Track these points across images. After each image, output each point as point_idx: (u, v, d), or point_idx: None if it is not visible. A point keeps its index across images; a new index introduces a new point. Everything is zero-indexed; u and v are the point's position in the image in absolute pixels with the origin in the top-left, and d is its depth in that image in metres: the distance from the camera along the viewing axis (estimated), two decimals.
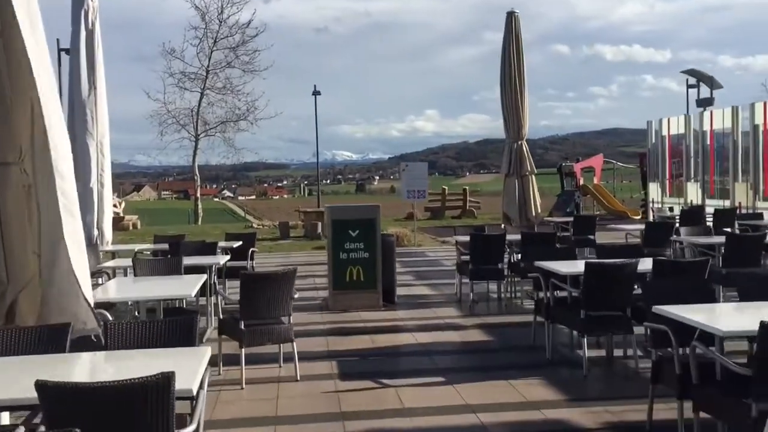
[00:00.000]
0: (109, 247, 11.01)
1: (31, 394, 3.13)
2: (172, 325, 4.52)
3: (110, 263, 9.88)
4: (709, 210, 17.04)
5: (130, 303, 7.47)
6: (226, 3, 35.45)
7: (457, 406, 6.08)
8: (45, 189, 5.57)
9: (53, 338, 4.31)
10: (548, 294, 7.52)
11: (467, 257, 10.84)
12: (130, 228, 29.26)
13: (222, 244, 11.28)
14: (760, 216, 15.00)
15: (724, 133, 20.53)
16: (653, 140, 24.85)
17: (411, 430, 5.60)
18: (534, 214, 14.97)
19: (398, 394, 6.48)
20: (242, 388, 6.72)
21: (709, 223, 13.94)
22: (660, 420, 5.40)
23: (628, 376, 6.99)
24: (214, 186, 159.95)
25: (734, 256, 9.41)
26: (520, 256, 11.02)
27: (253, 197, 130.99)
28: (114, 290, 7.41)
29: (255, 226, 31.19)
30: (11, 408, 3.93)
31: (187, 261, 8.63)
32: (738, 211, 16.88)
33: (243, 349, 6.83)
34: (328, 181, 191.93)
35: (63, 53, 22.43)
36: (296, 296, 7.13)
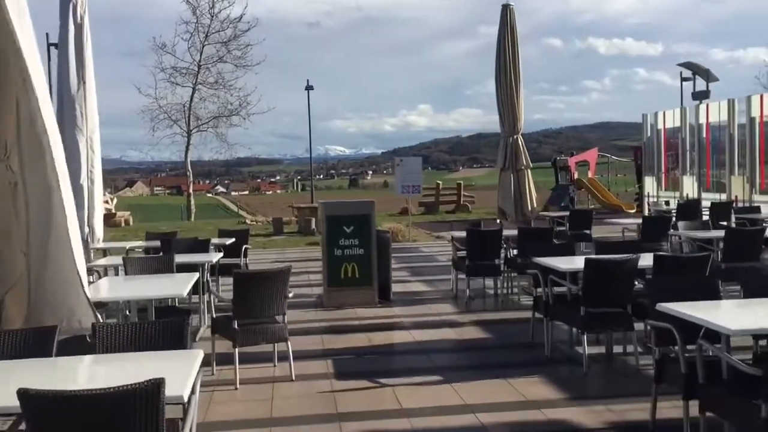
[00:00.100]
0: (100, 245, 10.85)
1: (14, 401, 2.98)
2: (163, 327, 4.37)
3: (101, 261, 9.72)
4: (706, 203, 16.96)
5: (121, 302, 7.31)
6: None
7: (456, 406, 5.95)
8: (35, 186, 5.42)
9: (39, 341, 4.16)
10: (547, 291, 7.40)
11: (463, 253, 10.72)
12: (122, 224, 29.05)
13: (215, 240, 11.14)
14: (758, 209, 14.92)
15: (720, 126, 20.44)
16: (648, 133, 24.75)
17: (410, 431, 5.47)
18: (530, 208, 14.83)
19: (395, 393, 6.35)
20: (236, 389, 6.58)
21: (706, 217, 13.87)
22: (663, 419, 5.28)
23: (629, 374, 6.87)
24: (207, 181, 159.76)
25: (733, 251, 9.30)
26: (516, 251, 10.92)
27: (246, 193, 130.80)
28: (105, 289, 7.26)
29: (248, 221, 31.02)
30: None
31: (180, 259, 8.48)
32: (734, 205, 16.80)
33: (237, 349, 6.69)
34: (322, 176, 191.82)
35: (52, 48, 22.17)
36: (291, 295, 6.99)
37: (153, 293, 6.77)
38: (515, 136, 14.96)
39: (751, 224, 12.09)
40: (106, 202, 30.61)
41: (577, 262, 7.35)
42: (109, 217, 27.18)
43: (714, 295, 5.37)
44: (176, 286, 6.83)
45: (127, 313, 7.00)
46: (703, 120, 21.53)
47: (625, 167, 40.30)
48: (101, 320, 5.62)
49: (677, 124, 23.01)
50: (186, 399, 3.26)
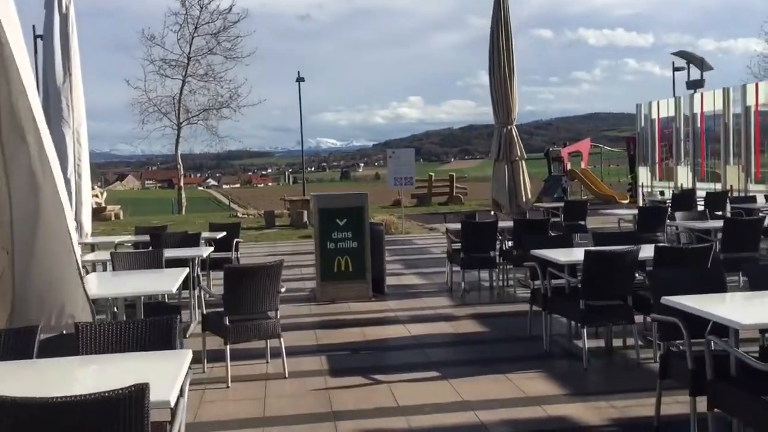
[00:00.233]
0: (88, 240, 10.64)
1: None
2: (150, 326, 4.17)
3: (89, 256, 9.49)
4: (700, 193, 16.85)
5: (109, 299, 7.11)
6: None
7: (454, 403, 5.79)
8: (18, 179, 5.21)
9: (19, 342, 3.96)
10: (546, 283, 7.24)
11: (458, 245, 10.56)
12: (112, 218, 28.80)
13: (205, 234, 10.93)
14: (753, 199, 14.81)
15: (715, 116, 20.30)
16: (642, 123, 24.61)
17: (407, 431, 5.29)
18: (524, 200, 14.61)
19: (392, 390, 6.18)
20: (228, 387, 6.40)
21: (701, 207, 13.75)
22: (668, 415, 5.13)
23: (630, 368, 6.73)
24: (199, 175, 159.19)
25: (732, 241, 9.17)
26: (511, 243, 10.77)
27: (238, 186, 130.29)
28: (92, 286, 7.00)
29: (240, 214, 30.80)
30: None
31: (169, 253, 8.28)
32: (730, 194, 16.70)
33: (228, 346, 6.51)
34: (313, 169, 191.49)
35: (39, 40, 21.86)
36: (283, 290, 6.80)
37: (141, 289, 6.58)
38: (509, 127, 14.72)
39: (747, 214, 11.97)
40: (96, 195, 30.34)
41: (576, 254, 7.19)
42: (98, 212, 26.93)
43: (720, 287, 5.20)
44: (165, 281, 6.62)
45: (115, 310, 6.81)
46: (697, 109, 21.39)
47: (617, 157, 40.25)
48: (96, 316, 5.43)
49: (671, 113, 22.88)
50: (173, 404, 3.07)
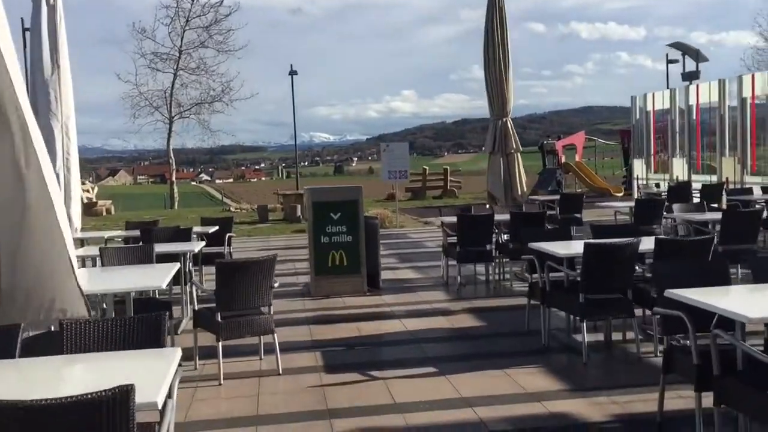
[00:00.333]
0: (78, 234, 10.44)
1: None
2: (139, 324, 4.02)
3: (79, 252, 9.30)
4: (696, 186, 16.75)
5: (98, 295, 6.95)
6: None
7: (452, 400, 5.66)
8: (4, 171, 5.05)
9: (1, 341, 3.80)
10: (544, 277, 7.11)
11: (454, 239, 10.43)
12: (104, 213, 28.57)
13: (197, 229, 10.77)
14: (749, 191, 14.72)
15: (711, 107, 20.20)
16: (637, 116, 24.50)
17: (405, 429, 5.16)
18: (520, 192, 14.53)
19: (388, 387, 6.05)
20: (220, 384, 6.25)
21: (697, 199, 13.66)
22: (671, 411, 5.01)
23: (630, 362, 6.61)
24: (191, 170, 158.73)
25: (730, 233, 9.06)
26: (507, 236, 10.65)
27: (231, 180, 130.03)
28: (81, 281, 6.88)
29: (233, 209, 30.63)
30: None
31: (160, 248, 8.11)
32: (726, 186, 16.61)
33: (220, 342, 6.36)
34: (306, 163, 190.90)
35: (27, 33, 21.62)
36: (276, 285, 6.65)
37: (131, 285, 6.41)
38: (504, 119, 14.63)
39: (744, 206, 11.88)
40: (87, 191, 30.11)
41: (574, 247, 7.06)
42: (89, 207, 26.74)
43: (723, 280, 5.08)
44: (155, 277, 6.47)
45: (104, 306, 6.65)
46: (692, 101, 21.29)
47: (611, 150, 40.17)
48: (91, 311, 5.28)
49: (666, 106, 22.78)
50: (160, 405, 2.93)
